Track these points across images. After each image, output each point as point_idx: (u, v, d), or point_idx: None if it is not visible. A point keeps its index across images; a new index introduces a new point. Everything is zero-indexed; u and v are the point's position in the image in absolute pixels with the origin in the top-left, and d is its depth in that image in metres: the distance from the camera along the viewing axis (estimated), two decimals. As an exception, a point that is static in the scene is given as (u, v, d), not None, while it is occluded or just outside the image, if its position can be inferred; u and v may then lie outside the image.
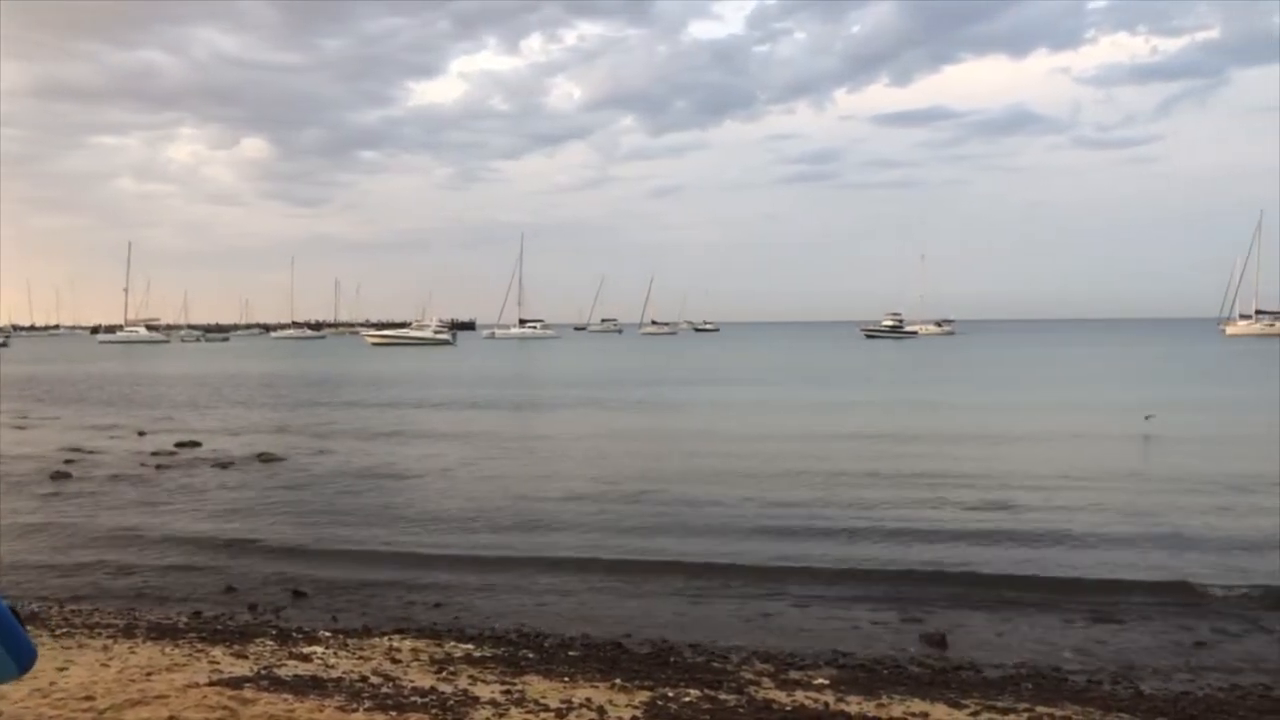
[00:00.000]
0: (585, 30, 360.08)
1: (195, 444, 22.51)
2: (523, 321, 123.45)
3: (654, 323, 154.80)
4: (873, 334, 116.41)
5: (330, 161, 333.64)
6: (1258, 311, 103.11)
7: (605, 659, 7.90)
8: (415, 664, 7.46)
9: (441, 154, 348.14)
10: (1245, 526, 13.23)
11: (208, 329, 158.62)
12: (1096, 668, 8.00)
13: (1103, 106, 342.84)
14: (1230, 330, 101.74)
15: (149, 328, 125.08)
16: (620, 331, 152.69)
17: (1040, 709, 6.56)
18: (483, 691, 6.62)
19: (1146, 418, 24.11)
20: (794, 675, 7.50)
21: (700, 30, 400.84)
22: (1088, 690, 7.32)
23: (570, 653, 8.14)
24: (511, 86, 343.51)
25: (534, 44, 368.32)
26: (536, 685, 6.88)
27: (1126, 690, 7.36)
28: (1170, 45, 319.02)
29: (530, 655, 7.96)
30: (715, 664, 7.86)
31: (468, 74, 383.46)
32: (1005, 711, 6.51)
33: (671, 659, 8.01)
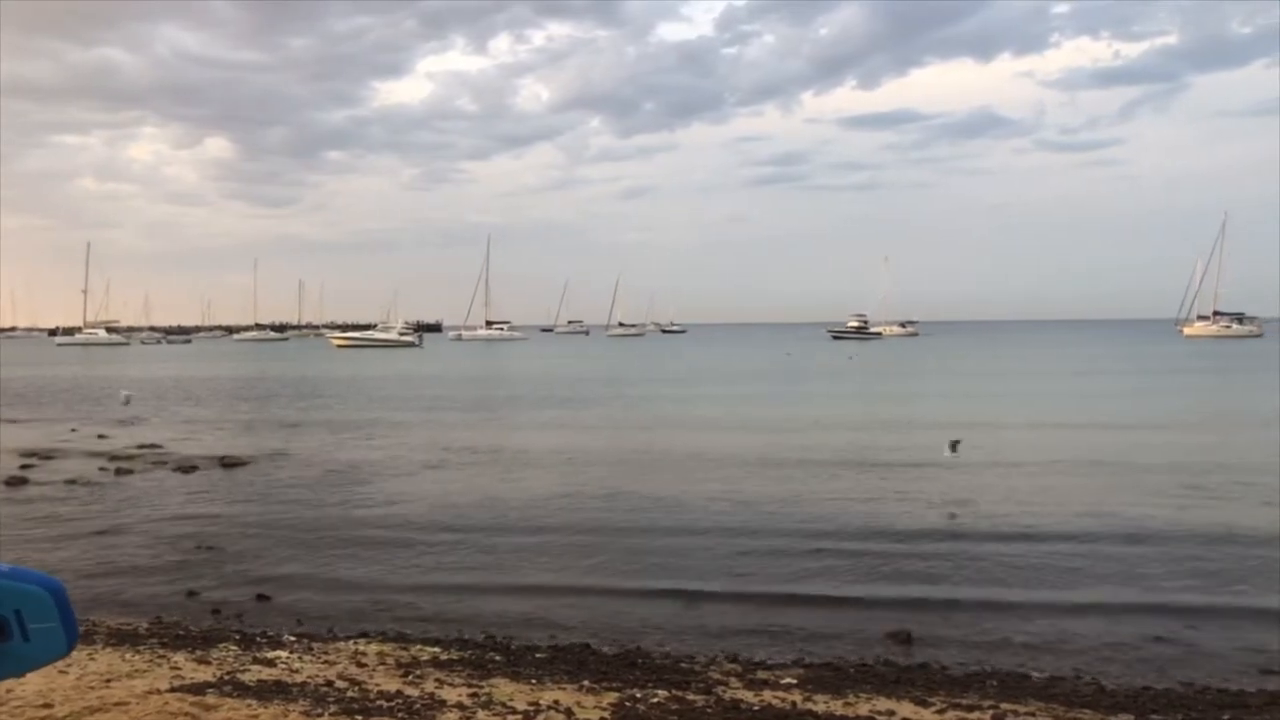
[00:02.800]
0: (554, 31, 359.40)
1: (156, 447, 22.21)
2: (489, 323, 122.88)
3: (621, 324, 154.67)
4: (839, 335, 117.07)
5: (296, 161, 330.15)
6: (1215, 313, 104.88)
7: (573, 661, 7.88)
8: (381, 668, 7.40)
9: (408, 155, 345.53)
10: (1202, 523, 13.45)
11: (169, 331, 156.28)
12: (1059, 664, 8.09)
13: (1066, 109, 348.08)
14: (1188, 331, 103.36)
15: (109, 330, 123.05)
16: (587, 333, 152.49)
17: (1005, 706, 6.63)
18: (449, 695, 6.58)
19: None
20: (761, 675, 7.52)
21: (669, 32, 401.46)
22: (1050, 687, 7.40)
23: (537, 655, 8.11)
24: (479, 87, 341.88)
25: (502, 44, 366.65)
26: (504, 688, 6.85)
27: (1089, 686, 7.45)
28: (1131, 50, 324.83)
29: (497, 658, 7.93)
30: (683, 665, 7.86)
31: (435, 74, 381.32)
32: (970, 709, 6.57)
33: (639, 660, 8.01)
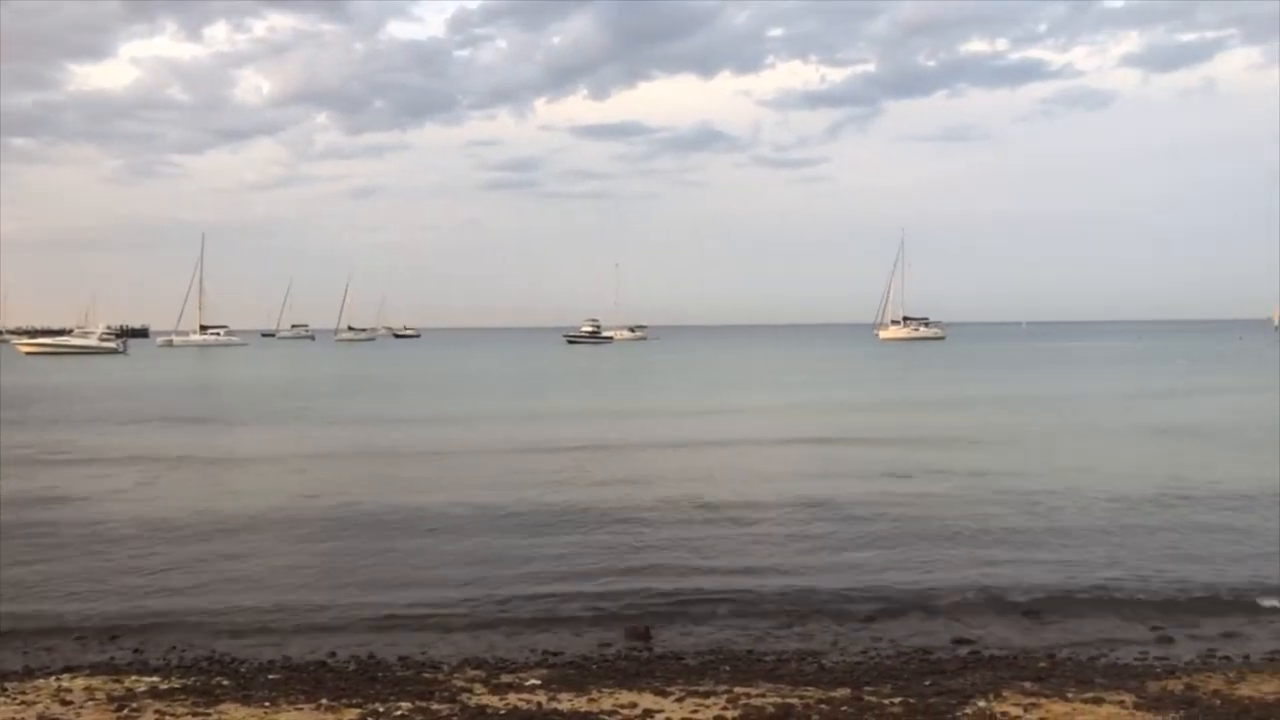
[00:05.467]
0: (276, 22, 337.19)
1: None
2: (204, 327, 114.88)
3: (350, 329, 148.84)
4: (574, 339, 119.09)
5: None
6: (905, 318, 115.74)
7: (309, 679, 7.55)
8: (90, 704, 6.77)
9: (110, 145, 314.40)
10: (913, 513, 14.83)
11: None
12: (784, 648, 8.66)
13: (780, 128, 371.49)
14: (883, 335, 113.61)
15: None
16: (313, 338, 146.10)
17: (738, 689, 7.01)
18: (172, 726, 6.14)
19: None
20: (506, 679, 7.53)
21: (399, 30, 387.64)
22: (777, 669, 7.90)
23: (270, 676, 7.71)
24: (192, 76, 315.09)
25: (219, 32, 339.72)
26: (234, 714, 6.48)
27: (811, 666, 8.03)
28: (836, 75, 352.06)
29: (225, 683, 7.46)
30: (426, 674, 7.74)
31: (141, 60, 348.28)
32: (707, 695, 6.89)
33: (380, 674, 7.80)
